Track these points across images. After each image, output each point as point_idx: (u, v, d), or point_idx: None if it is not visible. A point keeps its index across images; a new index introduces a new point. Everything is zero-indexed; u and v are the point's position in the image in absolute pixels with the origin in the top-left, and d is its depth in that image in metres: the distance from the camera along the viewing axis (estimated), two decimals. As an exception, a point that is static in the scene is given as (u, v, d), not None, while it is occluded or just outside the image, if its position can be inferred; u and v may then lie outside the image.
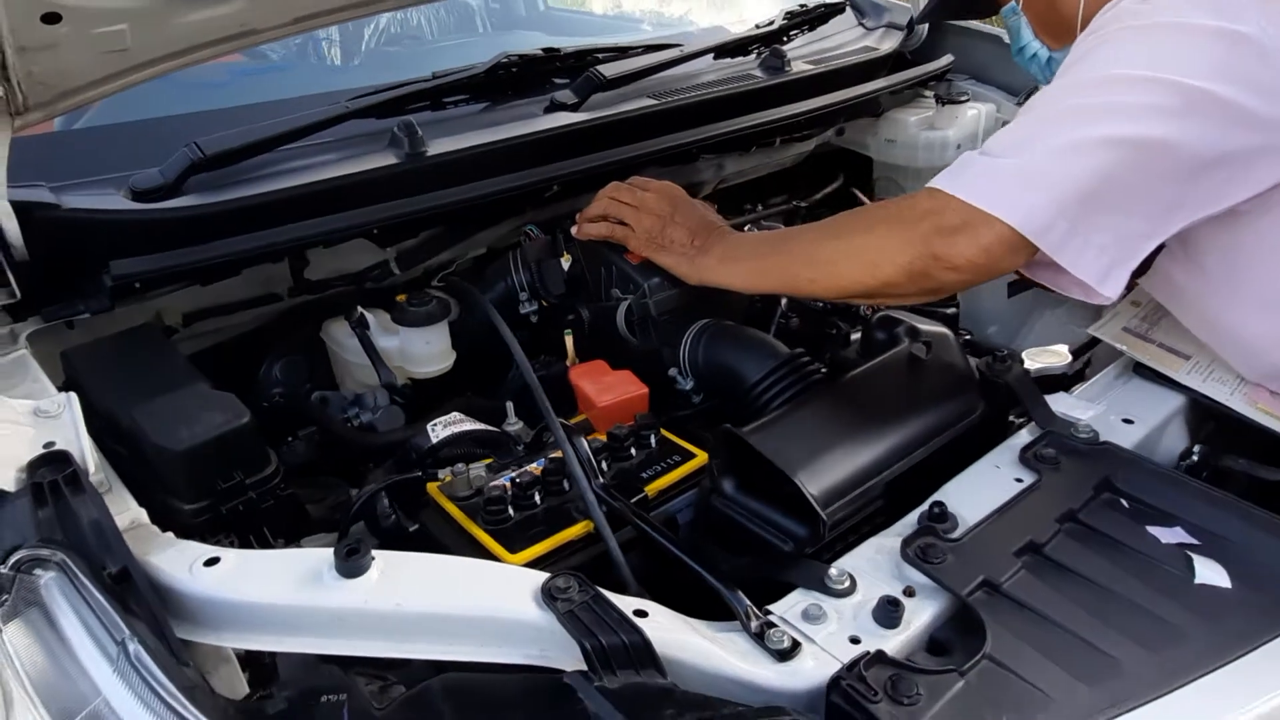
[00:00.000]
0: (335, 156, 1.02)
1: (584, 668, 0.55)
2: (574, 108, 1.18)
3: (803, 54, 1.50)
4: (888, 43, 1.60)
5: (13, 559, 0.55)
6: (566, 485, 0.77)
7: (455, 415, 0.87)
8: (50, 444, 0.64)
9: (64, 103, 0.85)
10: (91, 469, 0.64)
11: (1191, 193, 0.73)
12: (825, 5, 1.63)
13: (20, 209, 0.83)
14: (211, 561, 0.59)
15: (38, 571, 0.55)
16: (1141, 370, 0.94)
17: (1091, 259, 0.73)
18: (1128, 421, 0.86)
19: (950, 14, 1.12)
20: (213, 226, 0.91)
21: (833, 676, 0.56)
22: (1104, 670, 0.59)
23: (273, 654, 0.64)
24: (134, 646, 0.49)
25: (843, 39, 1.61)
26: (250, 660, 0.66)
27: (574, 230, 1.03)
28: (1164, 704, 0.57)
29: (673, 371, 0.97)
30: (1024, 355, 0.95)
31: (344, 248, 1.03)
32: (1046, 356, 0.94)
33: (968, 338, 1.31)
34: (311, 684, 0.53)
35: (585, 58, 1.29)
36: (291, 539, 0.79)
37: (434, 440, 0.84)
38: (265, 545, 0.75)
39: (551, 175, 1.08)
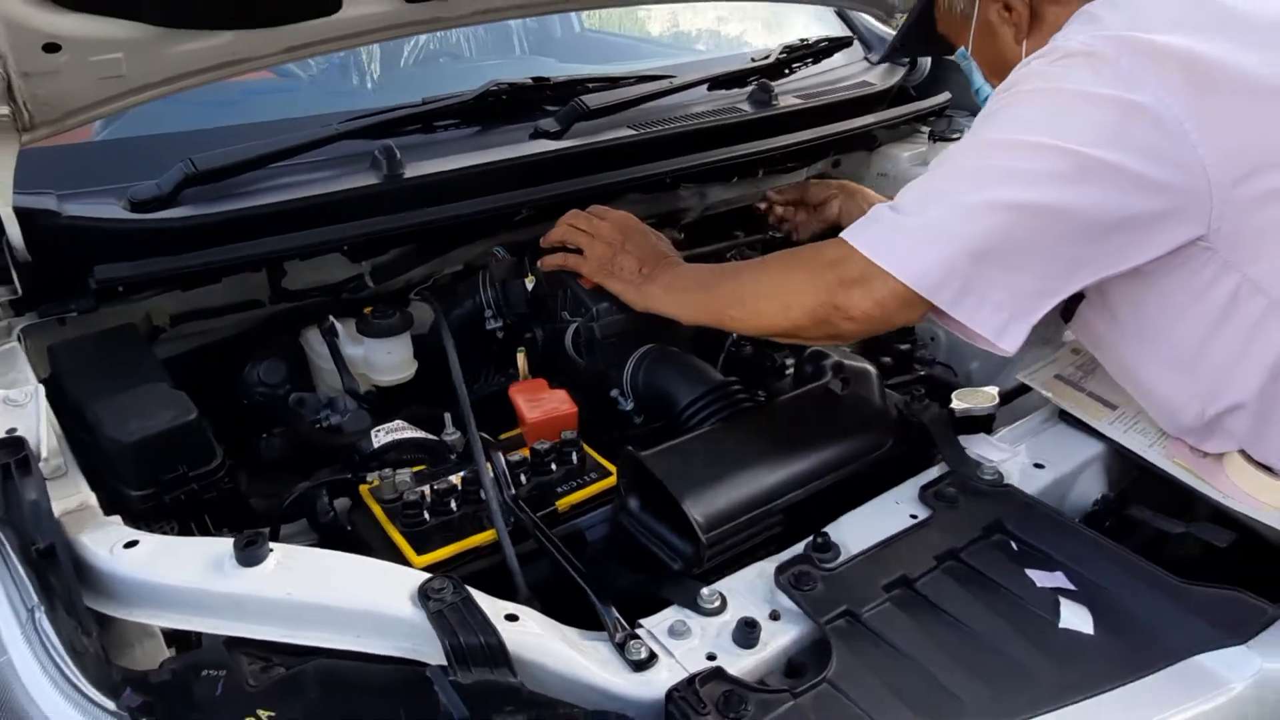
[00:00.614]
0: (321, 175, 1.09)
1: (443, 663, 0.60)
2: (556, 135, 1.24)
3: (799, 87, 1.54)
4: (891, 78, 1.63)
5: (-40, 530, 0.62)
6: (483, 495, 0.82)
7: (398, 423, 0.94)
8: (12, 430, 0.73)
9: (68, 121, 0.94)
10: (45, 454, 0.72)
11: (1092, 253, 0.75)
12: (829, 40, 1.67)
13: (23, 215, 0.92)
14: (131, 544, 0.66)
15: (-19, 543, 0.62)
16: (1067, 418, 0.95)
17: (988, 315, 0.75)
18: (1039, 466, 0.88)
19: (913, 52, 1.15)
20: (198, 237, 1.00)
21: (669, 689, 0.61)
22: (941, 705, 0.62)
23: (198, 632, 0.71)
24: (39, 614, 0.56)
25: (844, 73, 1.65)
26: (176, 637, 0.73)
27: (539, 262, 1.09)
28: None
29: (615, 393, 1.02)
30: (953, 396, 0.98)
31: (323, 261, 1.11)
32: (974, 398, 0.96)
33: (938, 373, 1.33)
34: (196, 659, 0.59)
35: (574, 87, 1.35)
36: (235, 529, 0.86)
37: (375, 445, 0.91)
38: (206, 533, 0.82)
39: (520, 200, 1.14)
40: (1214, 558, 0.82)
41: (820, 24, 1.88)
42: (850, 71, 1.65)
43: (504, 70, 2.10)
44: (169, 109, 1.07)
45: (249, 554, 0.64)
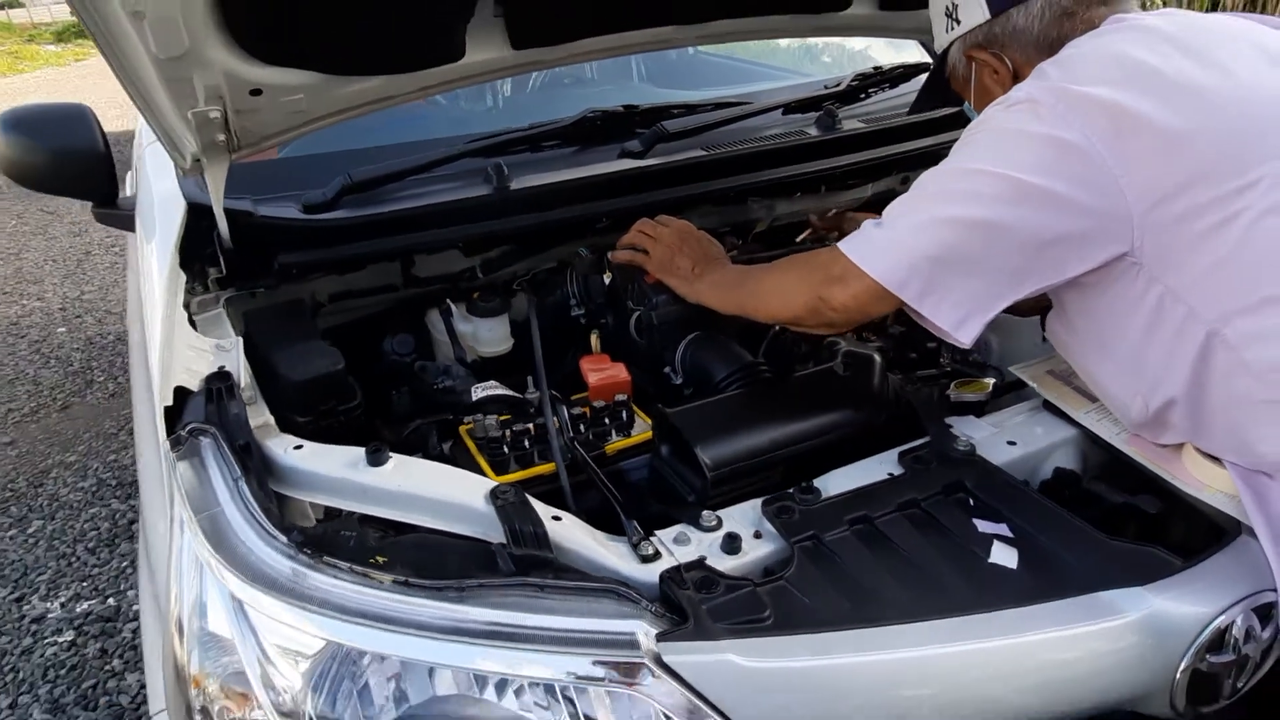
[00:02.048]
0: (446, 186, 1.37)
1: (504, 541, 0.84)
2: (639, 155, 1.47)
3: (871, 111, 1.71)
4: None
5: (188, 428, 0.92)
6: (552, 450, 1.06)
7: (493, 383, 1.19)
8: (222, 367, 1.02)
9: (262, 144, 1.25)
10: (243, 384, 1.01)
11: (1034, 265, 0.91)
12: (904, 67, 1.83)
13: (229, 214, 1.23)
14: (298, 447, 0.93)
15: (201, 437, 0.91)
16: (1051, 408, 1.10)
17: (947, 311, 0.92)
18: (1011, 443, 1.04)
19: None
20: (352, 233, 1.29)
21: (663, 572, 0.82)
22: (869, 603, 0.81)
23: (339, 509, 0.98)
24: (241, 483, 0.84)
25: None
26: (328, 516, 1.00)
27: (611, 256, 1.33)
28: (901, 628, 0.78)
29: (667, 369, 1.24)
30: (952, 385, 1.14)
31: (443, 255, 1.38)
32: (972, 389, 1.13)
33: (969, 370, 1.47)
34: (338, 524, 0.86)
35: (658, 113, 1.58)
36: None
37: (475, 398, 1.16)
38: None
39: (607, 210, 1.38)
40: (1159, 527, 0.96)
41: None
42: (921, 96, 1.80)
43: (621, 92, 2.35)
44: (331, 134, 1.38)
45: (375, 458, 0.90)
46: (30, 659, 2.33)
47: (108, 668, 2.28)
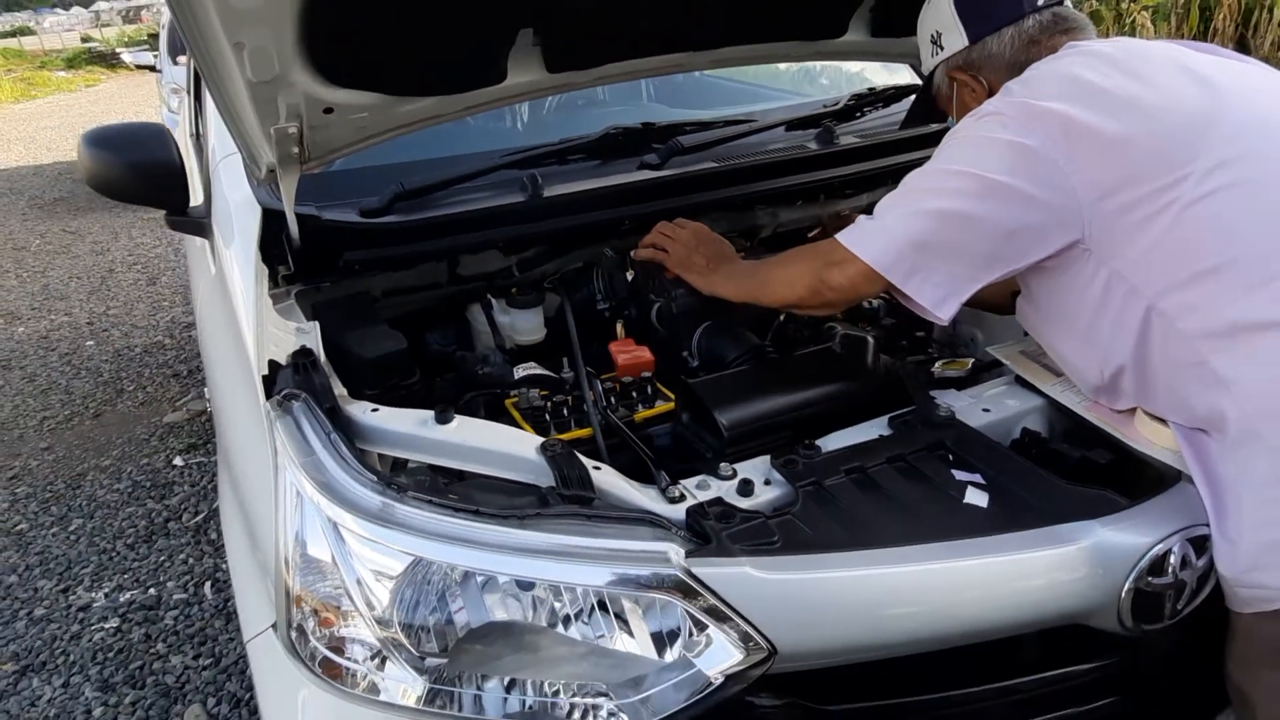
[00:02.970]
0: (486, 194, 1.53)
1: (554, 485, 1.00)
2: (657, 167, 1.64)
3: (867, 127, 1.88)
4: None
5: (284, 393, 1.08)
6: (585, 406, 1.22)
7: (532, 364, 1.35)
8: (304, 346, 1.18)
9: (329, 157, 1.43)
10: (322, 360, 1.17)
11: (1002, 250, 1.07)
12: (896, 88, 2.00)
13: (300, 218, 1.39)
14: (374, 410, 1.09)
15: (293, 402, 1.07)
16: (1021, 381, 1.26)
17: (929, 291, 1.08)
18: (986, 410, 1.19)
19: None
20: (404, 235, 1.45)
21: (689, 507, 0.98)
22: (861, 531, 0.96)
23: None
24: (333, 435, 1.00)
25: (908, 114, 1.97)
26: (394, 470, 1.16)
27: (633, 254, 1.49)
28: (886, 550, 0.93)
29: (685, 354, 1.40)
30: (937, 363, 1.30)
31: (484, 255, 1.55)
32: (954, 366, 1.29)
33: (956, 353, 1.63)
34: (413, 473, 1.02)
35: (674, 130, 1.75)
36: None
37: (516, 377, 1.32)
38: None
39: (627, 214, 1.55)
40: (1111, 476, 1.11)
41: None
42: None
43: (632, 111, 2.52)
44: (382, 149, 1.54)
45: (442, 417, 1.06)
46: (79, 643, 2.48)
47: (152, 650, 2.42)
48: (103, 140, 1.62)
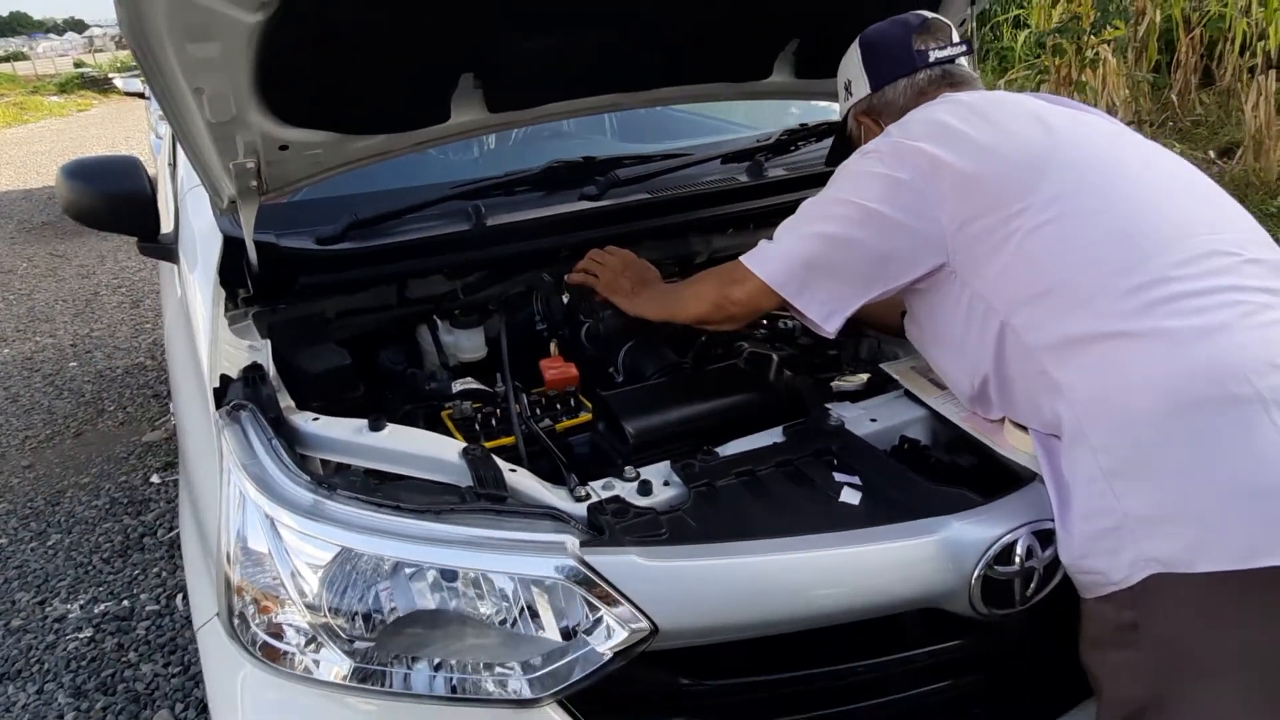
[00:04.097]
0: (433, 223, 1.66)
1: (471, 485, 1.12)
2: (595, 198, 1.77)
3: (793, 161, 2.02)
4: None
5: (232, 404, 1.19)
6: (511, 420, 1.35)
7: (469, 379, 1.47)
8: (255, 362, 1.30)
9: (286, 189, 1.55)
10: (272, 374, 1.29)
11: (879, 271, 1.20)
12: (827, 123, 2.14)
13: (259, 245, 1.51)
14: (315, 419, 1.21)
15: (242, 411, 1.19)
16: (908, 394, 1.39)
17: (816, 307, 1.22)
18: (873, 420, 1.32)
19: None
20: (356, 261, 1.58)
21: (589, 505, 1.10)
22: (741, 526, 1.08)
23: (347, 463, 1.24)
24: (274, 442, 1.12)
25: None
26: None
27: (567, 278, 1.62)
28: (760, 541, 1.05)
29: (611, 369, 1.52)
30: (836, 378, 1.43)
31: (430, 280, 1.68)
32: (850, 381, 1.42)
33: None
34: (346, 472, 1.13)
35: (614, 163, 1.88)
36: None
37: (454, 390, 1.45)
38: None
39: (563, 243, 1.68)
40: (975, 478, 1.23)
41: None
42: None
43: (594, 144, 2.65)
44: (337, 181, 1.67)
45: (375, 425, 1.18)
46: (54, 652, 2.56)
47: (124, 659, 2.51)
48: (79, 172, 1.74)
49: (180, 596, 2.76)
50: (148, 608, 2.73)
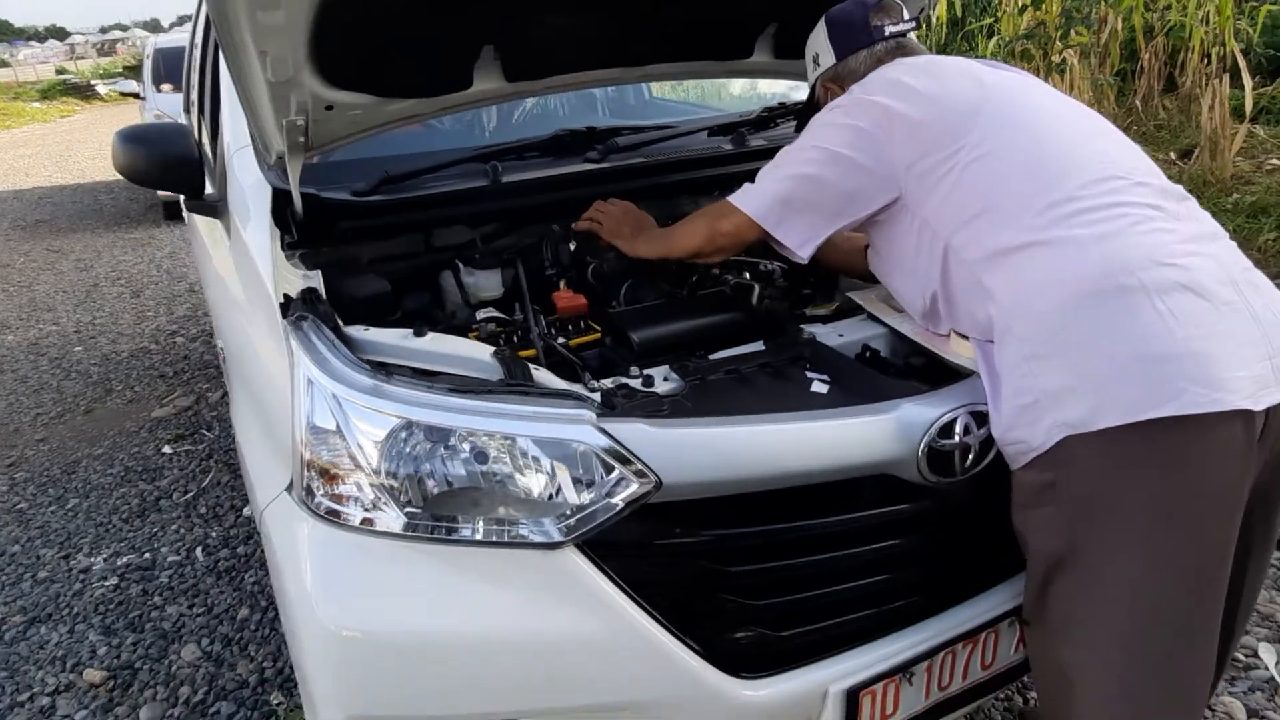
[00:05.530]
0: (456, 180, 1.88)
1: (503, 378, 1.33)
2: (597, 161, 2.00)
3: (771, 135, 2.26)
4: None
5: (295, 315, 1.40)
6: (530, 336, 1.56)
7: (490, 309, 1.69)
8: (310, 286, 1.51)
9: (328, 146, 1.77)
10: (324, 295, 1.50)
11: (846, 206, 1.43)
12: (800, 103, 2.38)
13: (304, 197, 1.72)
14: (366, 329, 1.42)
15: (304, 321, 1.40)
16: (872, 316, 1.62)
17: (793, 236, 1.45)
18: (840, 335, 1.55)
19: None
20: (388, 210, 1.79)
21: (603, 390, 1.32)
22: (727, 405, 1.30)
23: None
24: (335, 342, 1.33)
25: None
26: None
27: (574, 226, 1.85)
28: (743, 417, 1.27)
29: (614, 304, 1.74)
30: (809, 306, 1.66)
31: (452, 229, 1.89)
32: (822, 308, 1.65)
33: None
34: (397, 370, 1.34)
35: (614, 132, 2.11)
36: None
37: (479, 317, 1.66)
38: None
39: (571, 197, 1.90)
40: (927, 376, 1.46)
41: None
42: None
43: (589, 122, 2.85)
44: (369, 145, 1.89)
45: (419, 331, 1.39)
46: (81, 599, 2.74)
47: (150, 603, 2.69)
48: (134, 137, 1.95)
49: (200, 549, 2.94)
50: (169, 559, 2.91)
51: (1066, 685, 1.28)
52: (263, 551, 2.87)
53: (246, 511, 3.15)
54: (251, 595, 2.67)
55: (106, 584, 2.80)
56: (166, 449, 3.72)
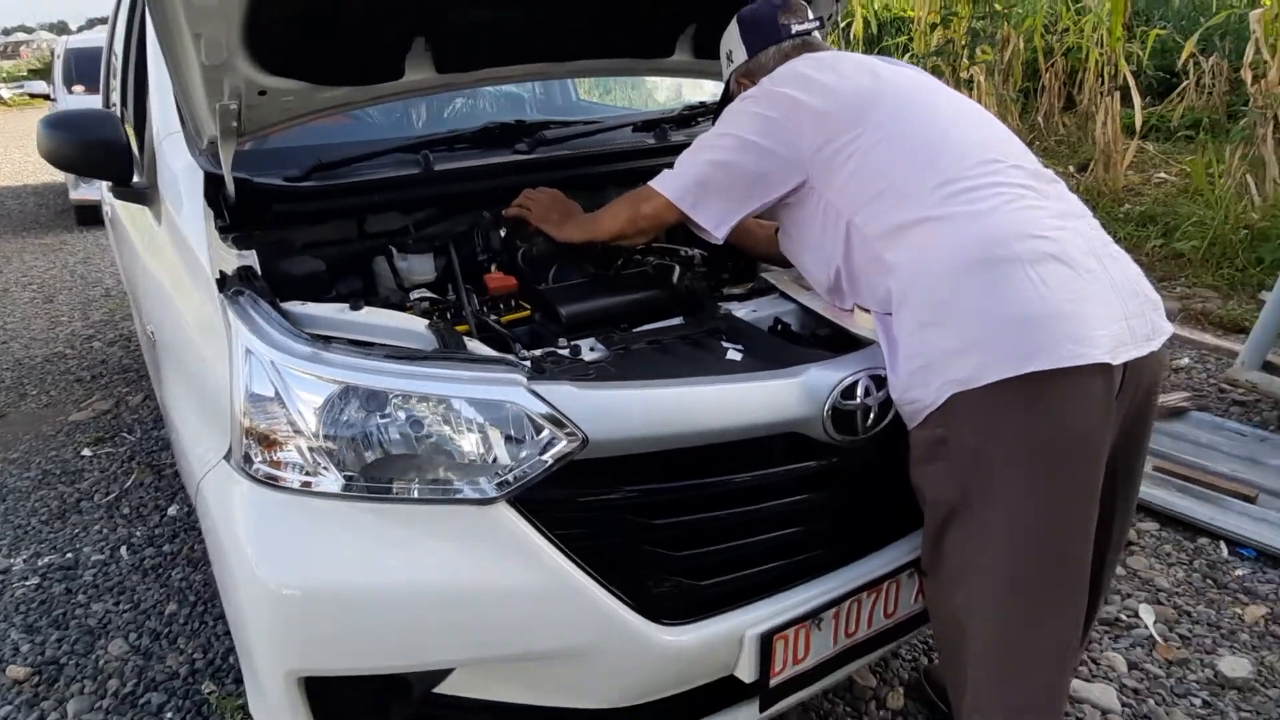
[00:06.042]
0: (390, 167, 1.93)
1: (437, 347, 1.40)
2: (526, 153, 2.08)
3: (690, 131, 2.37)
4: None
5: (233, 290, 1.44)
6: (462, 312, 1.63)
7: (424, 290, 1.75)
8: (247, 264, 1.55)
9: (261, 132, 1.81)
10: (260, 273, 1.54)
11: (757, 189, 1.55)
12: (720, 103, 2.51)
13: (236, 181, 1.76)
14: (303, 304, 1.47)
15: (240, 296, 1.44)
16: (783, 294, 1.74)
17: (708, 218, 1.56)
18: (754, 311, 1.67)
19: None
20: (320, 196, 1.84)
21: (534, 358, 1.40)
22: (646, 371, 1.40)
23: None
24: (272, 314, 1.38)
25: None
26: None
27: (504, 212, 1.92)
28: (666, 380, 1.37)
29: (541, 287, 1.83)
30: (726, 287, 1.77)
31: (386, 215, 1.95)
32: (737, 287, 1.76)
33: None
34: (331, 340, 1.40)
35: (542, 126, 2.20)
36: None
37: (412, 298, 1.72)
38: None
39: (500, 185, 1.98)
40: (832, 346, 1.58)
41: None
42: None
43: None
44: (302, 134, 1.94)
45: (355, 305, 1.45)
46: (1, 598, 2.67)
47: (74, 601, 2.64)
48: (60, 123, 1.95)
49: (125, 548, 2.89)
50: (93, 558, 2.85)
51: (960, 630, 1.41)
52: (189, 549, 2.86)
53: (172, 511, 3.11)
54: (179, 591, 2.65)
55: (28, 584, 2.73)
56: (86, 451, 3.63)
